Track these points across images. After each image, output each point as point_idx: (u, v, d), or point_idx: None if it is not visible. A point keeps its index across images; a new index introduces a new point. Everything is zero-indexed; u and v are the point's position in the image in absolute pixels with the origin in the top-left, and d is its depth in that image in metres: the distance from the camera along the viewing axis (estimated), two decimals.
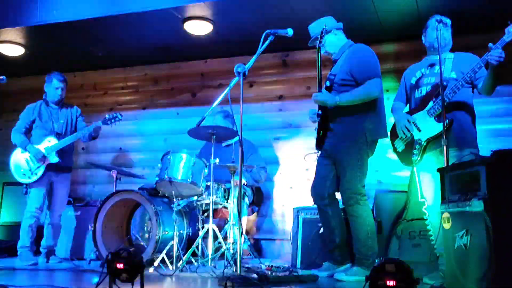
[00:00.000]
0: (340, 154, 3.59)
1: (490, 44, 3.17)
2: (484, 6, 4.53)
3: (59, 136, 4.77)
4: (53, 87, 4.85)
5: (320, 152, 3.77)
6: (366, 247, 3.51)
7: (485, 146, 3.60)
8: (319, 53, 3.69)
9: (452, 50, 3.63)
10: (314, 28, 3.75)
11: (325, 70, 3.76)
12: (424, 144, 3.46)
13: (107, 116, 4.79)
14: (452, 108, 3.37)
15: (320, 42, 3.66)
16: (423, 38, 3.69)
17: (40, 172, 4.66)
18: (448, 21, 3.55)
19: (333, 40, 3.75)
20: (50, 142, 4.72)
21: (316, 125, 3.71)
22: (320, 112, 3.61)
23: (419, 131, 3.49)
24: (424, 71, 3.63)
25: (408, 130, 3.54)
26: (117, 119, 4.79)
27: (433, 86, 3.45)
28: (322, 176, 3.72)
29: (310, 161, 3.75)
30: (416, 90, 3.62)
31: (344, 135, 3.57)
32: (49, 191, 4.81)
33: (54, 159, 4.70)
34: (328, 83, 3.67)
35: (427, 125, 3.43)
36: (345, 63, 3.63)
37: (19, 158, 4.75)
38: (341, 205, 3.79)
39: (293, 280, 3.34)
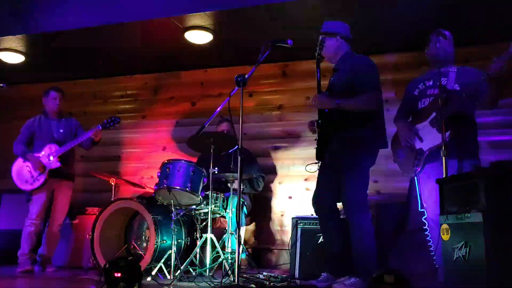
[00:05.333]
0: (341, 164, 3.58)
1: (495, 58, 3.18)
2: (483, 19, 4.56)
3: (60, 144, 4.79)
4: (51, 98, 4.91)
5: (321, 162, 3.75)
6: (365, 257, 3.49)
7: (484, 158, 3.62)
8: (318, 57, 3.70)
9: (453, 63, 3.65)
10: (325, 26, 3.76)
11: (324, 80, 3.77)
12: (426, 154, 3.46)
13: (105, 120, 4.83)
14: (454, 120, 3.38)
15: (321, 48, 3.67)
16: (426, 51, 3.71)
17: (42, 178, 4.67)
18: (449, 34, 3.58)
19: (332, 45, 3.71)
20: (51, 149, 4.73)
21: (316, 135, 3.71)
22: (320, 121, 3.61)
23: (421, 141, 3.50)
24: (427, 83, 3.65)
25: (410, 139, 3.55)
26: (115, 122, 4.83)
27: (436, 98, 3.46)
28: (323, 186, 3.70)
29: (311, 171, 3.74)
30: (419, 101, 3.64)
31: (344, 145, 3.56)
32: (50, 199, 4.81)
33: (56, 164, 4.70)
34: (327, 93, 3.67)
35: (429, 136, 3.44)
36: (345, 74, 3.62)
37: (21, 167, 4.77)
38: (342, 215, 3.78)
39: None
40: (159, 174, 4.13)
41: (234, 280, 3.31)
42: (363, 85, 3.51)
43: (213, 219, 4.42)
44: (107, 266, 2.65)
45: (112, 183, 4.82)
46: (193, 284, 3.67)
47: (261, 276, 4.01)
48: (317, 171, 3.79)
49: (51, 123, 4.91)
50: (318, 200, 3.72)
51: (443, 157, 3.09)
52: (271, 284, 3.60)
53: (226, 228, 4.39)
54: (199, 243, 4.07)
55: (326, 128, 3.60)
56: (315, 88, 3.73)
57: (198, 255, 4.11)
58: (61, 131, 4.89)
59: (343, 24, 3.78)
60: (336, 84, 3.65)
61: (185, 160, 4.18)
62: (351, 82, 3.55)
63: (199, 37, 5.09)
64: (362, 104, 3.48)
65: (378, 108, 3.55)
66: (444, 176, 3.05)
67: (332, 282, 3.59)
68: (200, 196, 4.12)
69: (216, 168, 4.06)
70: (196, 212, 4.29)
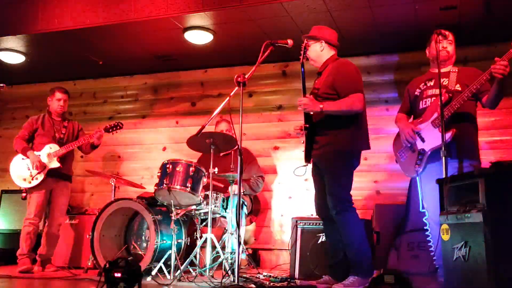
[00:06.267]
0: (324, 163, 3.63)
1: (497, 59, 3.18)
2: (483, 19, 4.56)
3: (61, 144, 4.80)
4: (56, 99, 4.95)
5: (309, 165, 3.79)
6: (359, 253, 3.51)
7: (484, 158, 3.62)
8: (302, 61, 3.76)
9: (454, 63, 3.66)
10: (312, 31, 3.82)
11: (309, 82, 3.81)
12: (428, 154, 3.47)
13: (108, 124, 4.88)
14: (456, 120, 3.39)
15: (304, 48, 3.73)
16: (427, 51, 3.72)
17: (41, 177, 4.67)
18: (451, 34, 3.58)
19: (316, 49, 3.78)
20: (52, 148, 4.74)
21: (303, 138, 3.74)
22: (307, 125, 3.65)
23: (423, 141, 3.50)
24: (428, 83, 3.65)
25: (412, 139, 3.56)
26: (118, 127, 4.88)
27: (437, 98, 3.46)
28: (320, 188, 3.73)
29: (299, 174, 3.76)
30: (421, 101, 3.64)
31: (327, 146, 3.61)
32: (49, 199, 4.81)
33: (56, 164, 4.71)
34: (312, 97, 3.70)
35: (431, 136, 3.45)
36: (329, 77, 3.68)
37: (19, 164, 4.77)
38: None
39: None
40: (159, 174, 4.14)
41: (234, 280, 3.31)
42: (345, 88, 3.57)
43: (213, 219, 4.42)
44: (107, 266, 2.65)
45: (112, 183, 4.82)
46: (193, 284, 3.68)
47: (261, 276, 4.01)
48: (305, 174, 3.82)
49: (54, 123, 4.93)
50: (319, 203, 3.75)
51: (443, 157, 3.09)
52: (271, 284, 3.60)
53: (226, 228, 4.39)
54: (199, 243, 4.07)
55: (311, 131, 3.65)
56: (309, 89, 3.76)
57: (198, 255, 4.11)
58: (63, 132, 4.93)
59: (329, 30, 3.85)
60: (319, 87, 3.71)
61: (185, 160, 4.18)
62: (334, 85, 3.61)
63: (199, 37, 5.09)
64: (345, 107, 3.53)
65: (361, 109, 3.58)
66: (444, 176, 3.05)
67: (332, 283, 3.60)
68: (200, 196, 4.12)
69: (216, 168, 4.07)
70: (196, 212, 4.29)
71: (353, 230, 3.53)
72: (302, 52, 3.74)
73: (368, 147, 3.72)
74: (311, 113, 3.66)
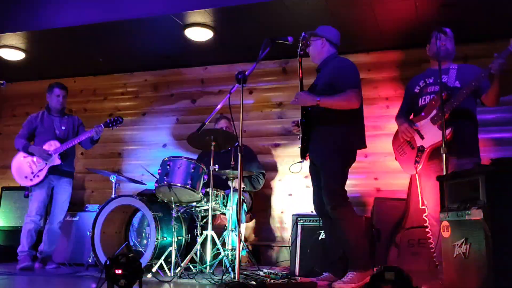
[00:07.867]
0: (320, 158, 3.65)
1: (496, 54, 3.19)
2: (484, 16, 4.56)
3: (61, 141, 4.80)
4: (55, 95, 4.94)
5: (305, 161, 3.79)
6: (357, 247, 3.52)
7: (485, 155, 3.62)
8: (300, 53, 3.78)
9: (453, 60, 3.66)
10: (317, 30, 3.84)
11: (310, 79, 3.80)
12: (427, 151, 3.47)
13: (108, 119, 4.86)
14: (455, 117, 3.39)
15: (303, 44, 3.74)
16: (427, 48, 3.71)
17: (42, 174, 4.68)
18: (450, 31, 3.58)
19: (317, 47, 3.80)
20: (52, 146, 4.74)
21: (300, 134, 3.75)
22: (304, 120, 3.65)
23: (422, 138, 3.50)
24: (428, 80, 3.66)
25: (409, 134, 3.57)
26: (118, 122, 4.86)
27: (437, 95, 3.46)
28: (317, 185, 3.74)
29: (295, 171, 3.76)
30: (420, 99, 3.65)
31: (323, 141, 3.63)
32: (50, 196, 4.82)
33: (57, 161, 4.72)
34: (309, 91, 3.72)
35: (430, 133, 3.45)
36: (327, 74, 3.71)
37: (20, 162, 4.78)
38: None
39: (292, 287, 3.33)
40: (159, 171, 4.14)
41: (234, 277, 3.32)
42: (343, 84, 3.60)
43: (214, 216, 4.42)
44: (108, 263, 2.66)
45: (113, 180, 4.82)
46: (193, 281, 3.68)
47: (261, 273, 4.02)
48: (302, 171, 3.82)
49: (53, 120, 4.93)
50: (317, 200, 3.76)
51: (444, 154, 3.09)
52: (271, 281, 3.60)
53: (227, 225, 4.39)
54: (199, 240, 4.08)
55: (308, 127, 3.65)
56: (308, 86, 3.76)
57: (198, 252, 4.12)
58: (63, 128, 4.92)
59: (332, 29, 3.87)
60: (318, 84, 3.75)
61: (185, 157, 4.18)
62: (331, 81, 3.64)
63: (199, 34, 5.08)
64: (342, 101, 3.55)
65: (357, 105, 3.59)
66: (444, 173, 3.05)
67: (333, 280, 3.61)
68: (201, 193, 4.12)
69: (216, 165, 4.07)
70: (197, 209, 4.30)
71: (349, 225, 3.54)
72: (300, 45, 3.74)
73: (364, 146, 3.73)
74: (309, 108, 3.68)
